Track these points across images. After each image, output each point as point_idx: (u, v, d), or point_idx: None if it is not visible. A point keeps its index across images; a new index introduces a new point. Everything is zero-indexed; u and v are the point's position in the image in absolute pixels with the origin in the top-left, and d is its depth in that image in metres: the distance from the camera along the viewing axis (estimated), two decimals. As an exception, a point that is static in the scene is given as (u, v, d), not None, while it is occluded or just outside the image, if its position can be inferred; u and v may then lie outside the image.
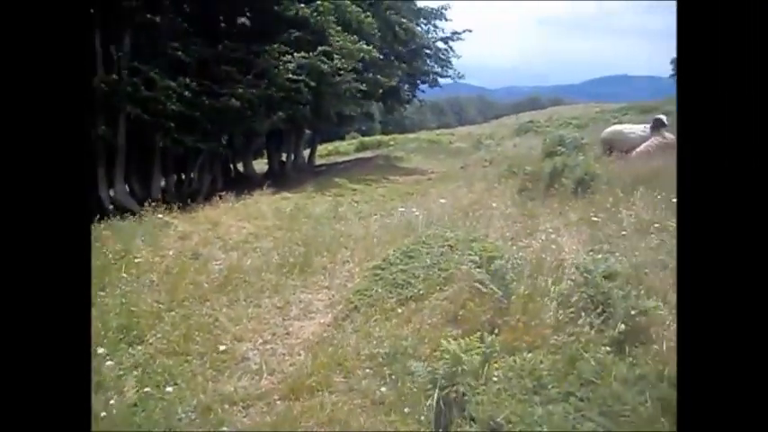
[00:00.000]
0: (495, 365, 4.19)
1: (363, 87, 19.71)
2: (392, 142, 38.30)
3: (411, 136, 44.20)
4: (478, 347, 3.84)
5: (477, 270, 5.54)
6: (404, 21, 23.79)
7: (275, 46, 16.49)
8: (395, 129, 52.88)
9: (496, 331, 4.65)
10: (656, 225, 6.95)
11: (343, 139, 44.29)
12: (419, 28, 27.04)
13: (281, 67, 16.26)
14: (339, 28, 18.11)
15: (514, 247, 6.63)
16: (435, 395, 3.70)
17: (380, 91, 22.58)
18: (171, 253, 8.64)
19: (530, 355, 4.27)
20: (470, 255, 6.25)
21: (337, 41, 17.85)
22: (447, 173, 18.97)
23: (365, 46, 18.86)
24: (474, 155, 22.63)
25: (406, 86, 27.39)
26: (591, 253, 6.07)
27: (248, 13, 16.76)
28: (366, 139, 41.52)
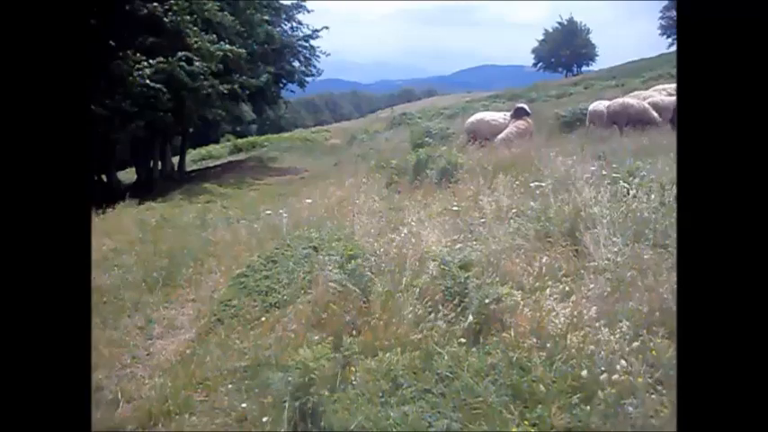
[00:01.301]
0: (353, 369, 4.12)
1: (225, 90, 19.12)
2: (266, 143, 37.80)
3: (286, 135, 43.90)
4: (328, 354, 3.74)
5: (336, 270, 5.46)
6: (265, 19, 23.34)
7: (129, 52, 15.60)
8: (271, 129, 52.12)
9: (355, 333, 4.59)
10: (514, 210, 7.12)
11: (217, 142, 43.14)
12: (280, 27, 26.76)
13: (137, 74, 15.40)
14: (196, 28, 17.39)
15: (376, 244, 6.60)
16: (287, 407, 3.57)
17: (246, 92, 22.07)
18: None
19: (387, 354, 4.20)
20: (333, 255, 6.17)
21: (195, 42, 17.16)
22: (320, 171, 18.89)
23: (226, 46, 18.29)
24: (348, 151, 22.69)
25: (272, 86, 27.02)
26: (450, 243, 6.13)
27: (98, 14, 15.64)
28: (240, 141, 40.59)
